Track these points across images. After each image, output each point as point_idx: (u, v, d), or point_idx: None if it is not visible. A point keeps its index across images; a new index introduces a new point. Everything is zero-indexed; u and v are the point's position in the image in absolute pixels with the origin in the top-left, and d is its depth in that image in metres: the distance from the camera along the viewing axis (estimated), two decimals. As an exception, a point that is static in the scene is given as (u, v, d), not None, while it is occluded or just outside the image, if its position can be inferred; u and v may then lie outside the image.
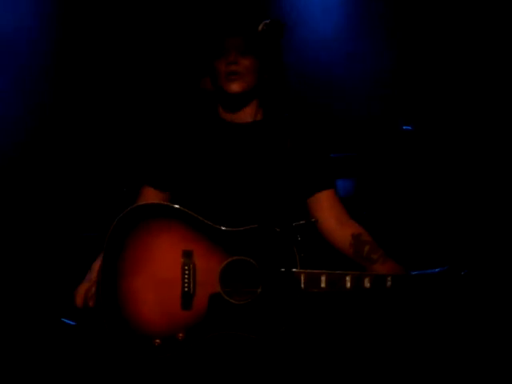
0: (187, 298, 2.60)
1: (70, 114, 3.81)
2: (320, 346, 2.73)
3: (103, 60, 3.84)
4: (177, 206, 2.68)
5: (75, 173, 3.89)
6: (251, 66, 2.76)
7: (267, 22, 2.53)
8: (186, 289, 2.60)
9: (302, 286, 2.58)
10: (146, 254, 2.63)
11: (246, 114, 2.83)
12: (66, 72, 3.89)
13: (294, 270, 2.58)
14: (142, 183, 2.90)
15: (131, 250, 2.63)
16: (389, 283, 2.59)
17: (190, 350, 2.60)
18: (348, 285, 2.59)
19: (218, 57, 2.77)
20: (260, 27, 2.54)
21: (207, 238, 2.64)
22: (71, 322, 3.64)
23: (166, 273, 2.62)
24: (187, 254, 2.62)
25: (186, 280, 2.61)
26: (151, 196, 2.85)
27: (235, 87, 2.76)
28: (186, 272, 2.61)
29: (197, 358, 2.63)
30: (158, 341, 2.60)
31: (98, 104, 3.85)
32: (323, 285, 2.59)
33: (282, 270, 2.57)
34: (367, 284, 2.59)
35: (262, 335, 2.57)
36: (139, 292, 2.62)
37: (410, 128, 4.03)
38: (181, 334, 2.61)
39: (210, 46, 2.80)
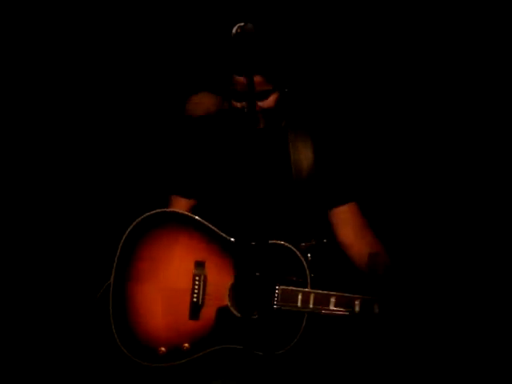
0: (195, 309, 2.61)
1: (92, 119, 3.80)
2: (325, 364, 2.73)
3: (100, 59, 3.76)
4: (191, 214, 2.70)
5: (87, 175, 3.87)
6: None
7: (242, 24, 2.30)
8: (195, 299, 2.61)
9: (311, 306, 2.58)
10: (159, 261, 2.64)
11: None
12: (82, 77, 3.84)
13: (304, 289, 2.58)
14: (169, 192, 2.91)
15: (144, 257, 2.64)
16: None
17: (194, 361, 2.61)
18: (357, 308, 2.58)
19: None
20: (234, 30, 2.32)
21: (220, 249, 2.65)
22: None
23: (176, 282, 2.63)
24: (199, 265, 2.63)
25: (196, 291, 2.61)
26: (179, 204, 2.86)
27: None
28: (197, 283, 2.61)
29: (200, 370, 2.63)
30: (162, 349, 2.61)
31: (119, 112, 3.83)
32: (332, 306, 2.58)
33: (292, 289, 2.58)
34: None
35: (267, 352, 2.57)
36: (148, 299, 2.62)
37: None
38: (186, 344, 2.61)
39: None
